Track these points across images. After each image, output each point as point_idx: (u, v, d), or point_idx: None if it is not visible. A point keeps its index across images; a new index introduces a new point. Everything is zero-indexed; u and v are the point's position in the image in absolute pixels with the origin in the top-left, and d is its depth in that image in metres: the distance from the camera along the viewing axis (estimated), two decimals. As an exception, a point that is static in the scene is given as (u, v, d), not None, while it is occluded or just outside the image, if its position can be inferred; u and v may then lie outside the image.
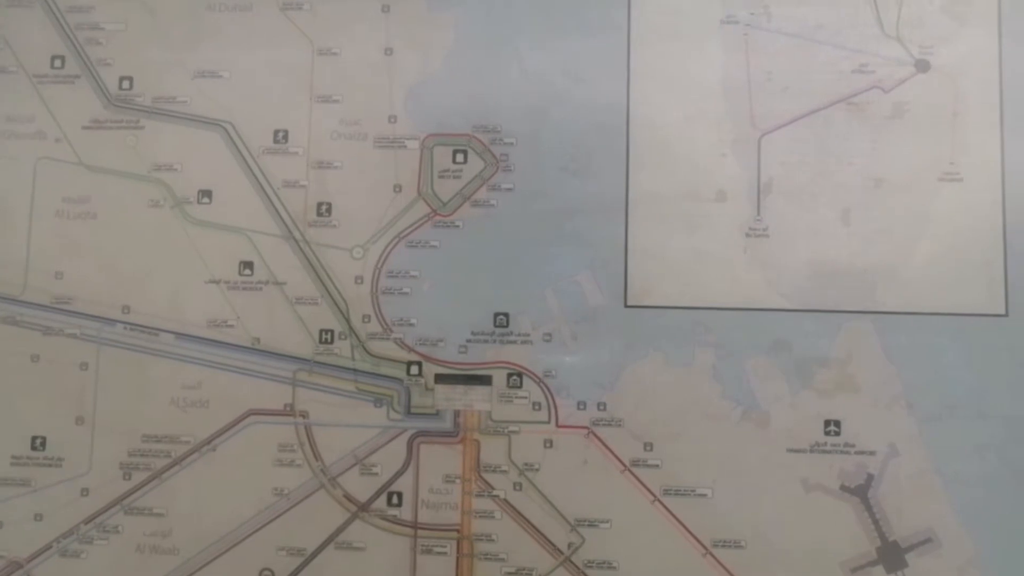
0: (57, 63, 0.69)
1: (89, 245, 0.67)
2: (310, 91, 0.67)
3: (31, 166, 0.68)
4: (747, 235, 0.63)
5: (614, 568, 0.62)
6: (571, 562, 0.62)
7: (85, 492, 0.65)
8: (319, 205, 0.66)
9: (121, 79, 0.68)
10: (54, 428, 0.66)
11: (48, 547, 0.65)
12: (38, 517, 0.65)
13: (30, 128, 0.68)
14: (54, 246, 0.67)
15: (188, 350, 0.66)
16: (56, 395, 0.66)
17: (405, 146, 0.66)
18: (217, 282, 0.66)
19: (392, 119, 0.66)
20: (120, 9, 0.69)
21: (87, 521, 0.65)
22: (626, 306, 0.63)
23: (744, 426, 0.62)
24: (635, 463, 0.62)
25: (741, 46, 0.64)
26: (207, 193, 0.67)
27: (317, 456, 0.64)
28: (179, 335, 0.66)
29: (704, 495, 0.62)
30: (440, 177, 0.65)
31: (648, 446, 0.62)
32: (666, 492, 0.62)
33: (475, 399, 0.64)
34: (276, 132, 0.67)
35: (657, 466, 0.62)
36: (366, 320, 0.65)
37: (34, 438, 0.66)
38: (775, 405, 0.62)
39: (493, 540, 0.63)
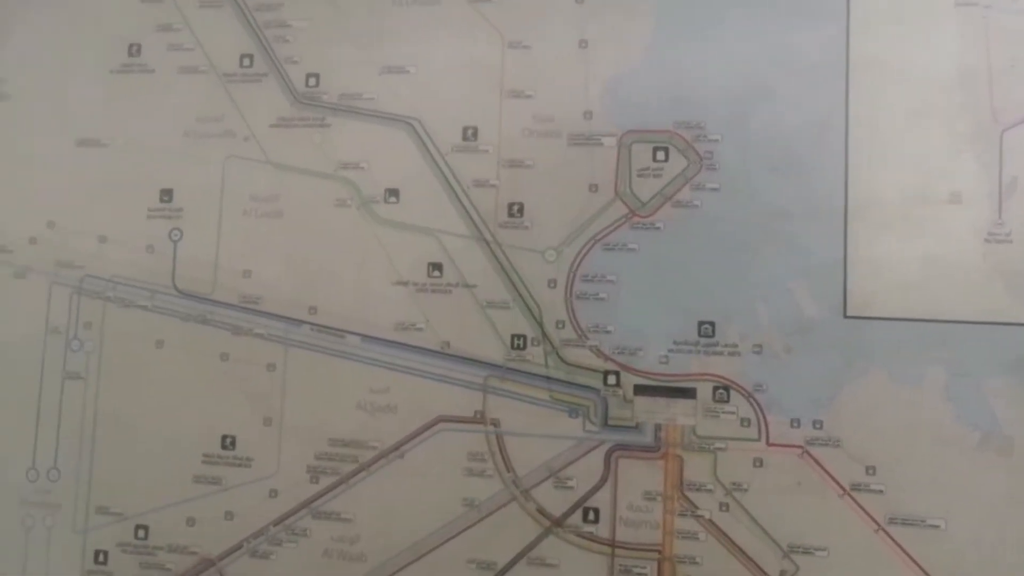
0: (246, 62, 0.49)
1: (276, 244, 0.47)
2: (500, 86, 0.46)
3: (220, 165, 0.48)
4: (986, 240, 0.41)
5: (832, 601, 0.41)
6: (783, 591, 0.41)
7: (274, 493, 0.46)
8: (510, 206, 0.45)
9: (308, 76, 0.48)
10: (243, 428, 0.46)
11: (239, 546, 0.46)
12: (229, 516, 0.46)
13: (219, 127, 0.48)
14: (242, 245, 0.47)
15: (375, 353, 0.46)
16: (245, 395, 0.47)
17: (601, 143, 0.44)
18: (405, 284, 0.46)
19: (588, 115, 0.45)
20: (307, 5, 0.48)
21: (276, 522, 0.46)
22: (845, 317, 0.41)
23: (983, 452, 0.40)
24: (856, 487, 0.41)
25: (980, 31, 0.41)
26: (394, 192, 0.46)
27: (509, 467, 0.44)
28: (366, 337, 0.46)
29: (936, 526, 0.40)
30: (639, 176, 0.44)
31: (871, 470, 0.41)
32: (892, 521, 0.40)
33: (678, 413, 0.43)
34: (465, 129, 0.46)
35: (881, 492, 0.40)
36: (560, 326, 0.44)
37: (224, 437, 0.47)
38: (1020, 430, 0.40)
39: (697, 563, 0.42)
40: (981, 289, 0.40)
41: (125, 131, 0.49)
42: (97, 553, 0.47)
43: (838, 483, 0.41)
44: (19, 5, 0.51)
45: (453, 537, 0.44)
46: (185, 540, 0.46)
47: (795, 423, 0.41)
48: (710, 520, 0.41)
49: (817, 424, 0.41)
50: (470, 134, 0.45)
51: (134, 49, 0.50)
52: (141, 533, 0.47)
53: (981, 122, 0.41)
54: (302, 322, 0.46)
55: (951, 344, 0.40)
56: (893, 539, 0.40)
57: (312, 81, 0.47)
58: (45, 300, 0.49)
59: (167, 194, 0.48)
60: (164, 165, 0.49)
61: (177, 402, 0.47)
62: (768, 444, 0.41)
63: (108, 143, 0.49)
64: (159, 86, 0.49)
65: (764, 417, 0.41)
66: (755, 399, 0.42)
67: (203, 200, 0.48)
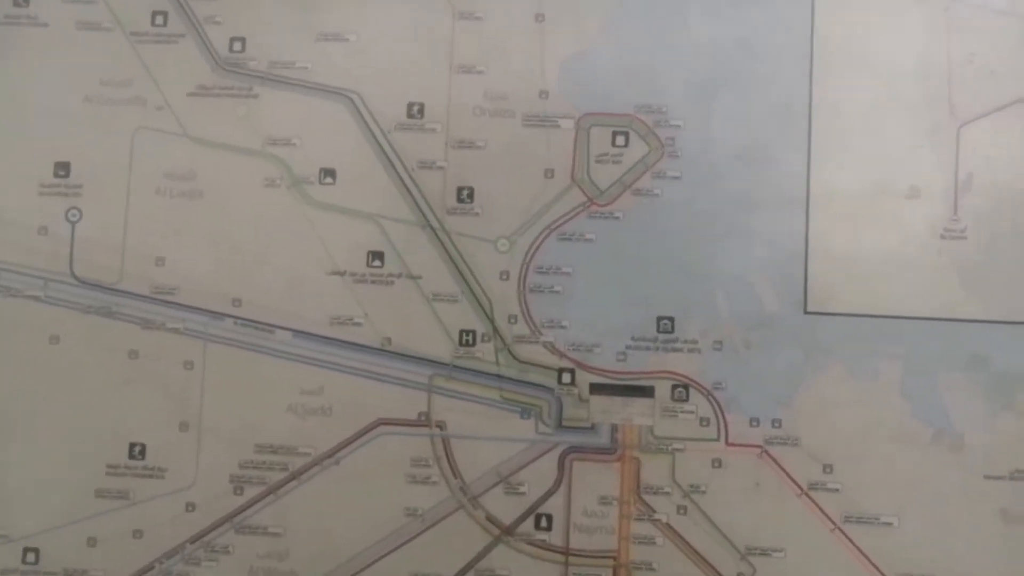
0: (159, 20, 0.43)
1: (194, 228, 0.42)
2: (450, 60, 0.42)
3: (128, 136, 0.42)
4: (942, 236, 0.40)
5: (789, 603, 0.40)
6: (741, 595, 0.40)
7: (191, 507, 0.41)
8: (459, 190, 0.42)
9: (232, 40, 0.43)
10: (155, 435, 0.41)
11: (150, 567, 0.41)
12: (137, 534, 0.41)
13: (127, 93, 0.43)
14: (154, 228, 0.42)
15: (308, 350, 0.42)
16: (157, 397, 0.41)
17: (558, 125, 0.42)
18: (342, 274, 0.42)
19: (543, 95, 0.42)
20: (230, -39, 0.44)
21: (193, 540, 0.41)
22: (806, 312, 0.40)
23: (936, 449, 0.40)
24: (813, 486, 0.40)
25: (941, 23, 0.41)
26: (330, 172, 0.42)
27: (456, 472, 0.41)
28: (297, 332, 0.42)
29: (890, 524, 0.40)
30: (597, 162, 0.41)
31: (828, 468, 0.40)
32: (847, 519, 0.40)
33: (635, 412, 0.41)
34: (410, 105, 0.42)
35: (837, 490, 0.40)
36: (512, 321, 0.41)
37: (132, 445, 0.42)
38: (971, 426, 0.40)
39: (654, 569, 0.40)
40: (936, 285, 0.40)
41: (10, 93, 0.43)
42: (-22, 580, 0.42)
43: (796, 483, 0.40)
44: None
45: (395, 550, 0.40)
46: (84, 563, 0.41)
47: (754, 422, 0.40)
48: (667, 524, 0.40)
49: (776, 423, 0.40)
50: (415, 111, 0.42)
51: (22, -1, 0.43)
52: (31, 557, 0.41)
53: (940, 116, 0.41)
54: (224, 315, 0.42)
55: (907, 340, 0.40)
56: (849, 537, 0.40)
57: (237, 46, 0.43)
58: (-89, 287, 0.43)
59: (63, 168, 0.42)
60: (60, 134, 0.43)
61: (76, 405, 0.42)
62: (727, 444, 0.40)
63: (-11, 106, 0.43)
64: (53, 43, 0.43)
65: (723, 416, 0.40)
66: (714, 397, 0.40)
67: (107, 176, 0.42)
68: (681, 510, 0.40)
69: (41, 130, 0.43)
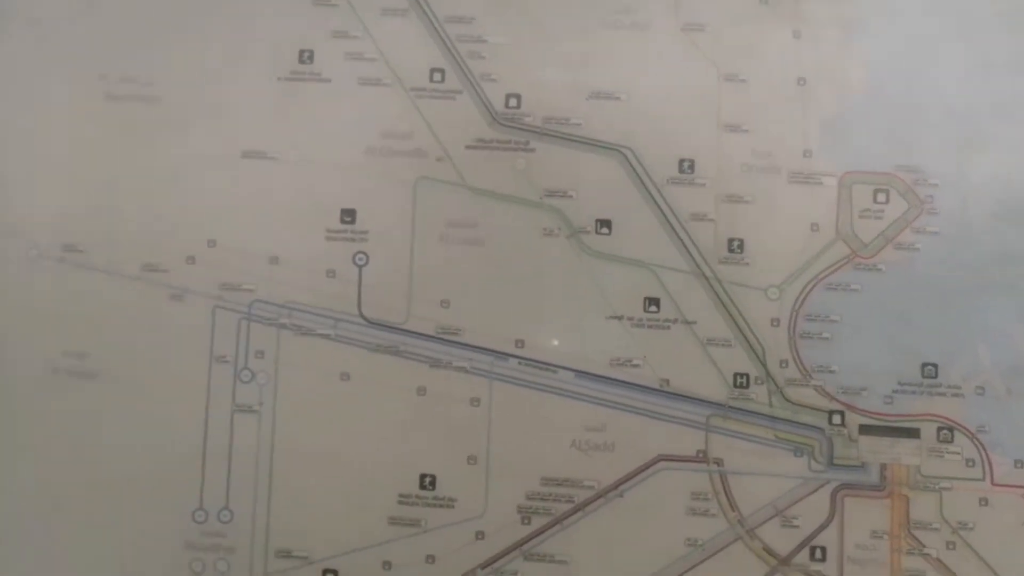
0: (436, 77, 0.46)
1: (477, 273, 0.45)
2: (717, 119, 0.46)
3: (410, 186, 0.46)
4: None
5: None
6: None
7: (480, 535, 0.44)
8: (730, 241, 0.45)
9: (508, 96, 0.46)
10: (445, 467, 0.44)
11: (440, 593, 0.45)
12: (430, 559, 0.44)
13: (407, 145, 0.46)
14: (439, 273, 0.45)
15: (590, 389, 0.45)
16: (446, 432, 0.44)
17: (821, 183, 0.45)
18: (620, 318, 0.45)
19: (807, 154, 0.45)
20: (505, 22, 0.46)
21: (484, 565, 0.44)
22: (1060, 359, 0.44)
23: None
24: (1071, 524, 0.43)
25: None
26: (606, 223, 0.45)
27: (733, 506, 0.44)
28: (579, 373, 0.45)
29: None
30: (860, 217, 0.45)
31: (1084, 506, 0.43)
32: (1104, 555, 0.43)
33: (903, 452, 0.44)
34: (681, 161, 0.45)
35: (1093, 526, 0.43)
36: (783, 365, 0.44)
37: (423, 476, 0.45)
38: None
39: (922, 600, 0.43)
40: None
41: (297, 144, 0.46)
42: (275, 602, 0.44)
43: (1056, 520, 0.43)
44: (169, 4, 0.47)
45: (675, 578, 0.43)
46: (378, 587, 0.44)
47: (1019, 464, 0.43)
48: (938, 559, 0.43)
49: (1037, 464, 0.43)
50: (686, 166, 0.45)
51: (305, 56, 0.46)
52: (328, 579, 0.44)
53: None
54: (508, 355, 0.45)
55: None
56: (1105, 572, 0.43)
57: (513, 102, 0.46)
58: (208, 326, 0.45)
59: (349, 215, 0.45)
60: (344, 183, 0.46)
61: (368, 439, 0.44)
62: (992, 484, 0.43)
63: (277, 156, 0.46)
64: (336, 97, 0.46)
65: (988, 457, 0.43)
66: (978, 440, 0.43)
67: (392, 223, 0.45)
68: (950, 546, 0.43)
69: (327, 179, 0.46)
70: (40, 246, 0.46)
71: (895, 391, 0.44)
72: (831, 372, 0.44)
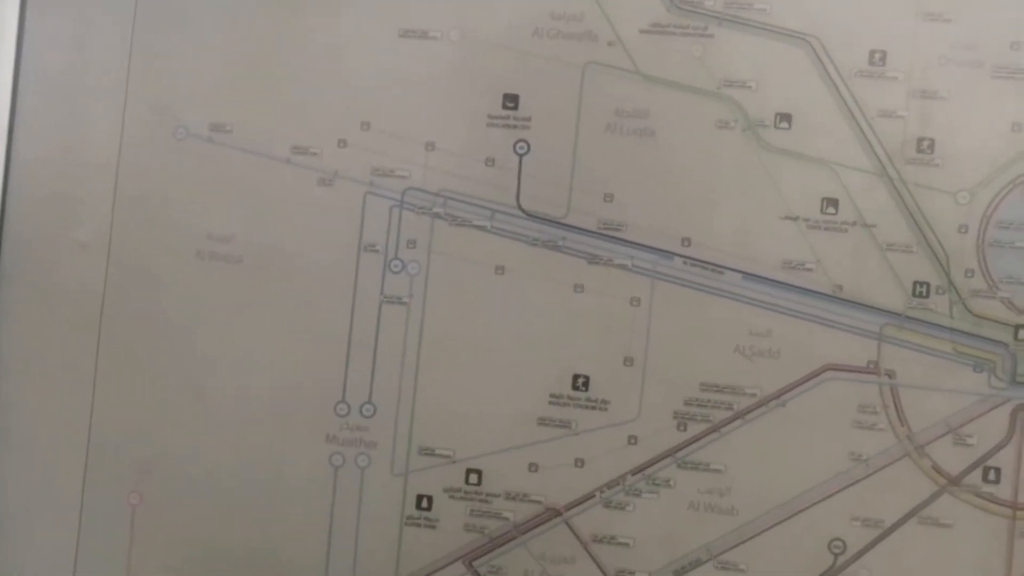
0: (611, -45, 0.44)
1: (645, 166, 0.43)
2: (916, 7, 0.42)
3: (578, 71, 0.44)
4: None
5: None
6: None
7: (633, 440, 0.43)
8: (919, 140, 0.42)
9: (688, -22, 0.44)
10: (599, 367, 0.43)
11: (590, 495, 0.43)
12: (579, 462, 0.43)
13: (578, 28, 0.44)
14: (604, 164, 0.43)
15: (757, 292, 0.43)
16: (602, 332, 0.43)
17: (1029, 79, 0.42)
18: (795, 219, 0.43)
19: (1015, 46, 0.41)
20: None
21: (635, 472, 0.43)
22: None
23: None
24: None
25: None
26: (786, 117, 0.43)
27: (903, 421, 0.42)
28: (747, 275, 0.43)
29: None
30: (1070, 118, 0.42)
31: None
32: None
33: (1095, 373, 0.42)
34: (872, 53, 0.42)
35: None
36: (969, 275, 0.42)
37: (576, 377, 0.44)
38: None
39: (1105, 528, 0.42)
40: None
41: (460, 23, 0.44)
42: (420, 498, 0.44)
43: None
44: None
45: (837, 492, 0.42)
46: (526, 487, 0.43)
47: None
48: (1124, 485, 0.41)
49: None
50: (877, 58, 0.42)
51: (469, -71, 0.44)
52: (473, 478, 0.44)
53: None
54: (673, 254, 0.43)
55: None
56: None
57: (692, -16, 0.43)
58: (358, 213, 0.44)
59: (512, 100, 0.44)
60: (508, 67, 0.44)
61: (520, 336, 0.43)
62: None
63: (438, 35, 0.44)
64: (506, -25, 0.44)
65: None
66: None
67: (556, 110, 0.43)
68: None
69: (490, 61, 0.44)
70: (188, 125, 0.45)
71: (1093, 308, 0.41)
72: (1021, 284, 0.41)
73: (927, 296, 0.42)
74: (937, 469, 0.42)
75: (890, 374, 0.42)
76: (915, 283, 0.42)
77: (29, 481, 0.45)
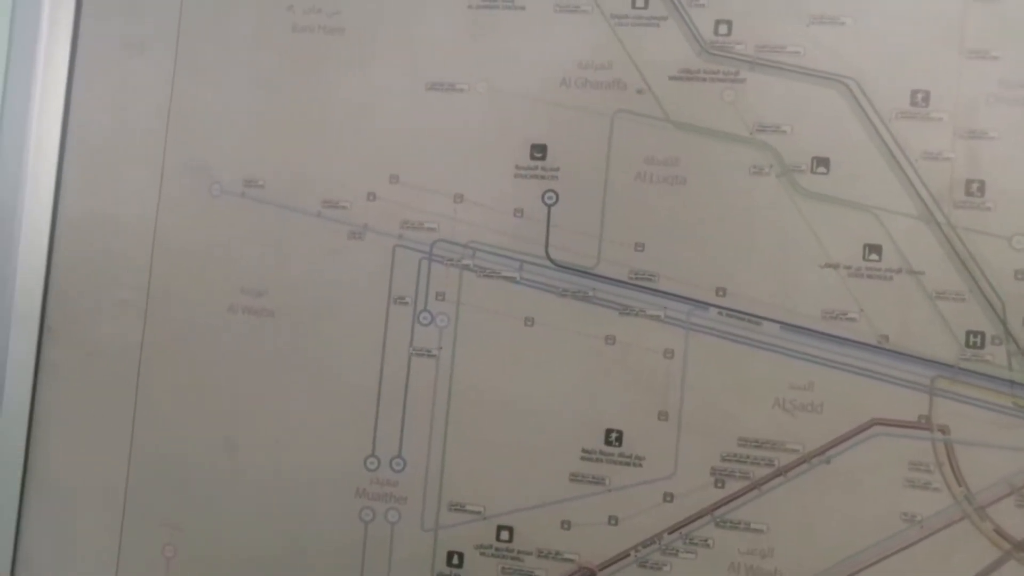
0: (640, 2, 0.44)
1: (677, 215, 0.43)
2: (959, 44, 0.41)
3: (607, 120, 0.44)
4: None
5: None
6: None
7: (669, 497, 0.43)
8: (968, 183, 0.41)
9: (717, 23, 0.43)
10: (632, 422, 0.43)
11: (625, 555, 0.42)
12: (613, 520, 0.43)
13: (606, 76, 0.44)
14: (634, 213, 0.43)
15: (797, 344, 0.42)
16: (635, 385, 0.43)
17: (1085, 116, 0.41)
18: (835, 266, 0.42)
19: (1068, 83, 0.41)
20: (711, -59, 0.44)
21: (672, 530, 0.42)
22: None
23: None
24: None
25: None
26: (823, 161, 0.42)
27: (960, 480, 0.40)
28: (786, 325, 0.42)
29: None
30: None
31: None
32: None
33: None
34: (914, 93, 0.42)
35: None
36: (1027, 324, 0.41)
37: (609, 431, 0.43)
38: None
39: None
40: None
41: (487, 76, 0.45)
42: (451, 555, 0.44)
43: None
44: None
45: (889, 556, 0.40)
46: (559, 545, 0.43)
47: None
48: None
49: None
50: (920, 99, 0.41)
51: (494, -18, 0.45)
52: (504, 535, 0.43)
53: None
54: (708, 304, 0.42)
55: None
56: None
57: (723, 29, 0.43)
58: (387, 265, 0.45)
59: (540, 150, 0.44)
60: (536, 117, 0.44)
61: (551, 389, 0.43)
62: None
63: (466, 88, 0.45)
64: (531, 26, 0.45)
65: None
66: None
67: (585, 159, 0.44)
68: None
69: (518, 112, 0.44)
70: (223, 182, 0.47)
71: None
72: (1086, 334, 0.40)
73: (982, 347, 0.40)
74: (1000, 532, 0.40)
75: (943, 429, 0.40)
76: (968, 332, 0.40)
77: (68, 533, 0.47)
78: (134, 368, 0.47)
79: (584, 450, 0.43)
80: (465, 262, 0.45)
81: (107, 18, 0.49)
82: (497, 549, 0.44)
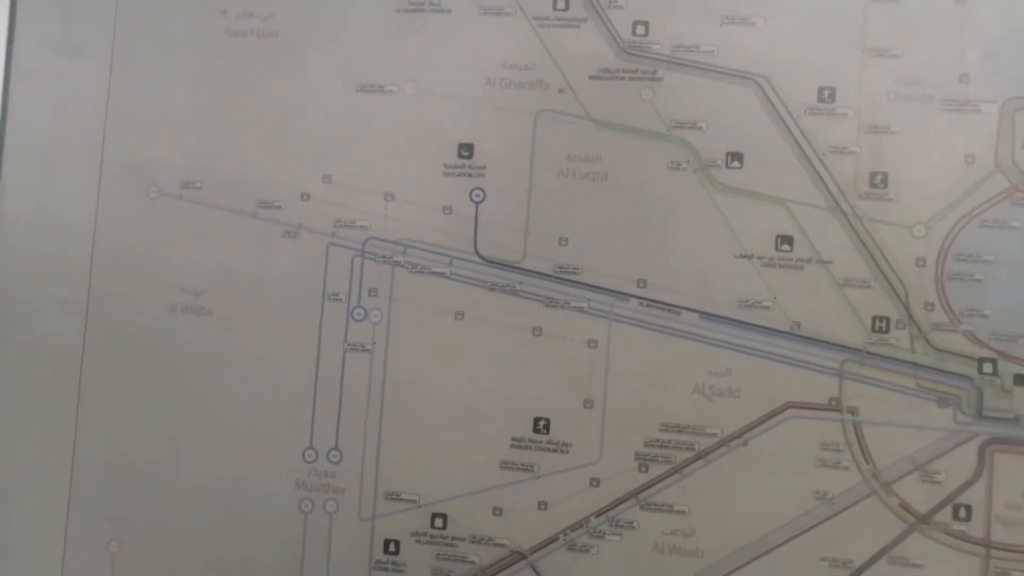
0: (560, 4, 0.46)
1: (598, 210, 0.45)
2: (862, 44, 0.44)
3: (531, 119, 0.46)
4: None
5: None
6: None
7: (595, 482, 0.45)
8: (872, 175, 0.44)
9: (635, 24, 0.46)
10: (559, 410, 0.45)
11: (554, 538, 0.45)
12: (542, 505, 0.45)
13: (529, 77, 0.47)
14: (558, 209, 0.46)
15: (715, 332, 0.45)
16: (561, 374, 0.45)
17: (980, 110, 0.43)
18: (750, 257, 0.45)
19: (964, 79, 0.43)
20: (629, -55, 0.47)
21: (598, 514, 0.45)
22: None
23: None
24: None
25: None
26: (737, 156, 0.45)
27: (868, 458, 0.43)
28: (704, 315, 0.45)
29: None
30: (1023, 147, 0.44)
31: None
32: None
33: (1064, 405, 0.43)
34: (821, 90, 0.44)
35: None
36: (929, 308, 0.43)
37: (537, 420, 0.46)
38: None
39: (1082, 566, 0.42)
40: None
41: (415, 77, 0.47)
42: (387, 542, 0.46)
43: None
44: (285, -70, 0.49)
45: (803, 532, 0.43)
46: (491, 531, 0.46)
47: None
48: (1101, 521, 0.42)
49: None
50: (826, 95, 0.44)
51: (422, -14, 0.48)
52: (439, 522, 0.46)
53: None
54: (629, 295, 0.45)
55: None
56: None
57: (640, 29, 0.46)
58: (321, 263, 0.47)
59: (467, 149, 0.47)
60: (463, 117, 0.47)
61: (481, 380, 0.46)
62: None
63: (395, 90, 0.47)
64: (456, 28, 0.47)
65: None
66: None
67: (510, 158, 0.46)
68: (1115, 507, 0.42)
69: (446, 112, 0.47)
70: (160, 184, 0.49)
71: (1057, 339, 0.42)
72: (983, 316, 0.43)
73: (887, 331, 0.43)
74: (905, 507, 0.43)
75: (852, 411, 0.43)
76: (874, 318, 0.43)
77: (13, 529, 0.49)
78: (76, 367, 0.49)
79: (513, 438, 0.46)
80: (396, 259, 0.47)
81: (42, 22, 0.50)
82: (432, 536, 0.46)
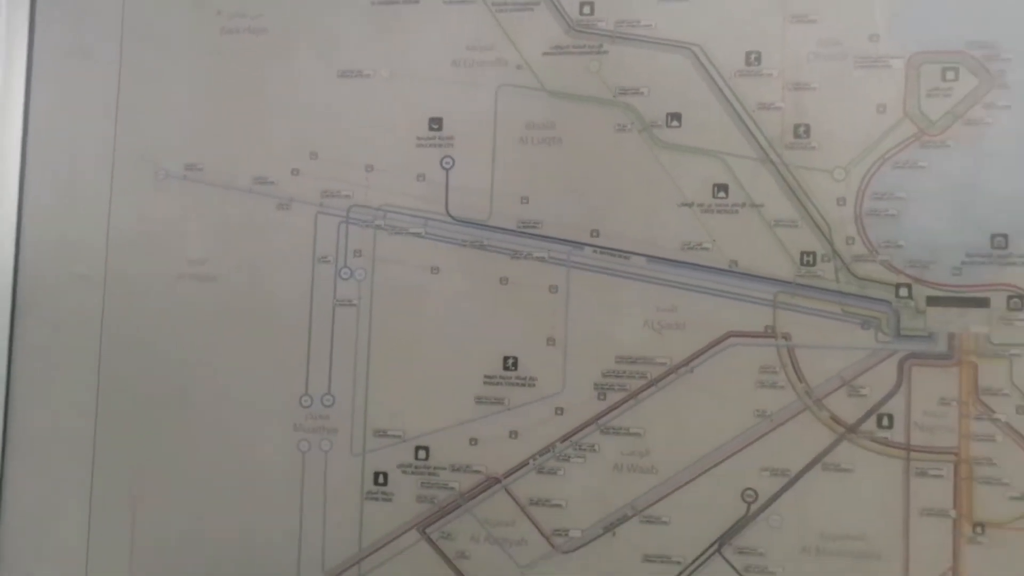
0: (514, -10, 0.53)
1: (555, 170, 0.51)
2: (783, 11, 0.50)
3: (492, 93, 0.52)
4: None
5: None
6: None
7: (559, 411, 0.51)
8: (796, 127, 0.50)
9: (582, 4, 0.52)
10: (525, 349, 0.51)
11: (524, 464, 0.51)
12: (513, 434, 0.51)
13: (490, 56, 0.53)
14: (519, 172, 0.52)
15: (661, 273, 0.50)
16: (526, 317, 0.51)
17: (889, 65, 0.49)
18: (690, 205, 0.50)
19: (874, 38, 0.49)
20: (573, -65, 0.53)
21: (563, 439, 0.51)
22: None
23: None
24: None
25: None
26: (676, 116, 0.51)
27: (801, 378, 0.49)
28: (651, 258, 0.50)
29: None
30: (928, 96, 0.48)
31: None
32: None
33: (972, 321, 0.47)
34: (748, 54, 0.50)
35: None
36: (850, 242, 0.49)
37: (506, 358, 0.51)
38: None
39: (994, 464, 0.47)
40: None
41: (389, 62, 0.53)
42: (376, 475, 0.52)
43: None
44: (270, -63, 0.55)
45: (746, 447, 0.49)
46: (468, 459, 0.51)
47: (1092, 328, 0.46)
48: (1007, 423, 0.47)
49: (1110, 330, 0.46)
50: (753, 59, 0.50)
51: (393, -20, 0.54)
52: (422, 454, 0.52)
53: None
54: (585, 244, 0.51)
55: None
56: None
57: (587, 9, 0.52)
58: (311, 230, 0.54)
59: (437, 123, 0.53)
60: (433, 95, 0.53)
61: (455, 326, 0.52)
62: (1065, 349, 0.46)
63: (371, 74, 0.54)
64: (425, 17, 0.53)
65: (1060, 324, 0.46)
66: (1050, 307, 0.47)
67: (475, 128, 0.52)
68: (1021, 410, 0.46)
69: (417, 91, 0.53)
70: (167, 168, 0.55)
71: (963, 263, 0.47)
72: (898, 247, 0.48)
73: (814, 264, 0.49)
74: (835, 419, 0.48)
75: (786, 337, 0.49)
76: (802, 253, 0.49)
77: (47, 478, 0.55)
78: (96, 335, 0.55)
79: (486, 376, 0.51)
80: (378, 223, 0.53)
81: (58, 30, 0.57)
82: (416, 467, 0.52)
